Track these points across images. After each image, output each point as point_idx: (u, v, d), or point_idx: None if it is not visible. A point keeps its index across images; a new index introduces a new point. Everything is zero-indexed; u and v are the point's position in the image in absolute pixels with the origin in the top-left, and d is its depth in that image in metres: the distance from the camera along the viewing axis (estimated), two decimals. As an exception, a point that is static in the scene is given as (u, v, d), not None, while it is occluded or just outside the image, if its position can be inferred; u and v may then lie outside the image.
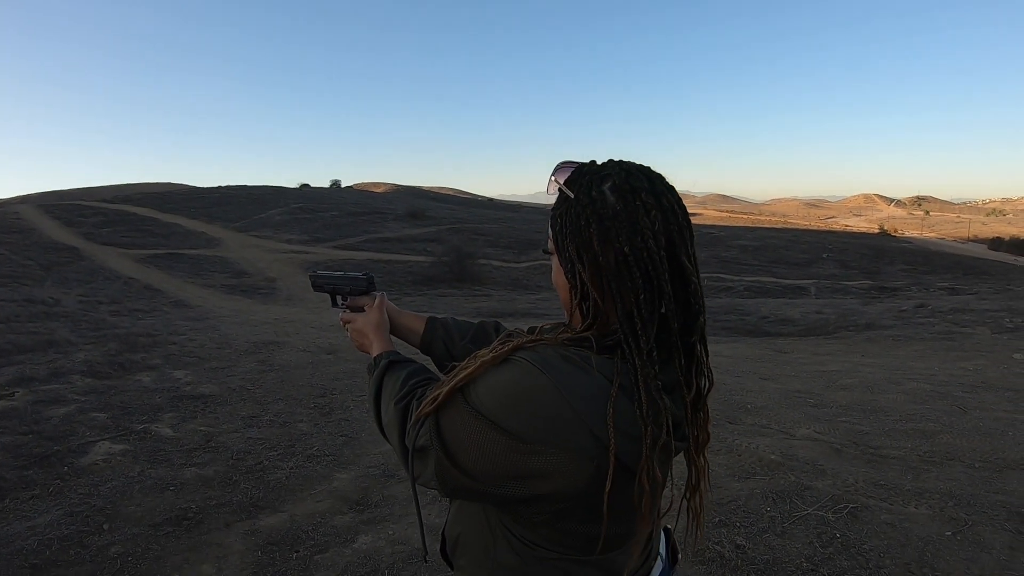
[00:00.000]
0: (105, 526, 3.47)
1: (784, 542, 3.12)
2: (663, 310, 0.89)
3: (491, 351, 0.94)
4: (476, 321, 1.44)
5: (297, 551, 3.21)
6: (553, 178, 0.98)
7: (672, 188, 0.93)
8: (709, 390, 0.99)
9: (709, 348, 0.98)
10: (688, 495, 1.07)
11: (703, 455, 1.04)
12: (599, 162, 0.97)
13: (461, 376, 0.93)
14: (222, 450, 4.68)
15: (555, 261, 1.00)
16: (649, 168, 0.94)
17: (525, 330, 1.09)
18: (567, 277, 0.95)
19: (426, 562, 1.09)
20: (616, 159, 0.96)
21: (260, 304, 20.47)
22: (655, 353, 0.87)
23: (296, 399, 6.25)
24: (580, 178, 0.94)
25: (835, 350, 10.32)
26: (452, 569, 1.13)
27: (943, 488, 3.70)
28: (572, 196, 0.93)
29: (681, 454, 1.01)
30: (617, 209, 0.88)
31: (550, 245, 1.01)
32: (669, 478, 0.97)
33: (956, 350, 9.61)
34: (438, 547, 1.19)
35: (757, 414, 5.51)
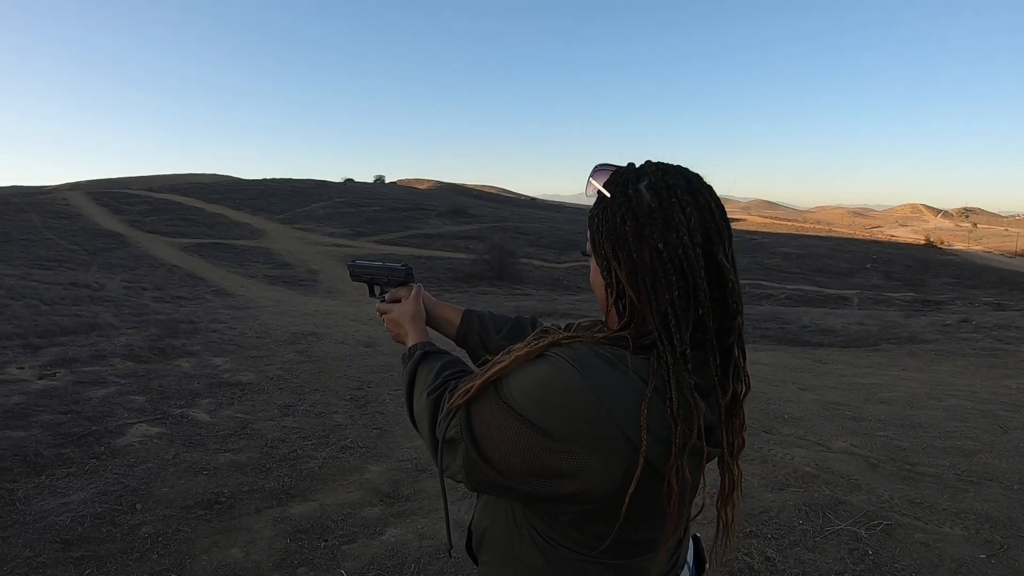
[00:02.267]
0: (138, 506, 3.55)
1: (815, 556, 3.08)
2: (699, 310, 0.88)
3: (526, 346, 0.94)
4: (513, 316, 1.43)
5: (325, 540, 3.25)
6: (591, 179, 0.98)
7: (710, 187, 0.93)
8: (745, 394, 0.97)
9: (748, 355, 0.97)
10: (720, 504, 1.05)
11: (737, 463, 1.01)
12: (637, 164, 0.96)
13: (494, 370, 0.93)
14: (257, 437, 4.75)
15: (593, 261, 0.99)
16: (686, 168, 0.94)
17: (562, 326, 1.08)
18: (603, 275, 0.95)
19: (451, 557, 1.10)
20: (654, 160, 0.95)
21: (301, 295, 20.76)
22: (689, 352, 0.86)
23: (333, 390, 6.33)
24: (617, 178, 0.94)
25: (876, 363, 10.13)
26: (477, 565, 1.13)
27: (980, 509, 3.62)
28: (609, 195, 0.93)
29: (715, 461, 1.00)
30: (652, 206, 0.88)
31: (588, 247, 1.00)
32: (701, 485, 0.95)
33: (999, 367, 9.38)
34: (463, 542, 1.19)
35: (794, 424, 5.44)
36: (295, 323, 11.12)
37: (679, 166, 0.94)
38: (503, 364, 0.93)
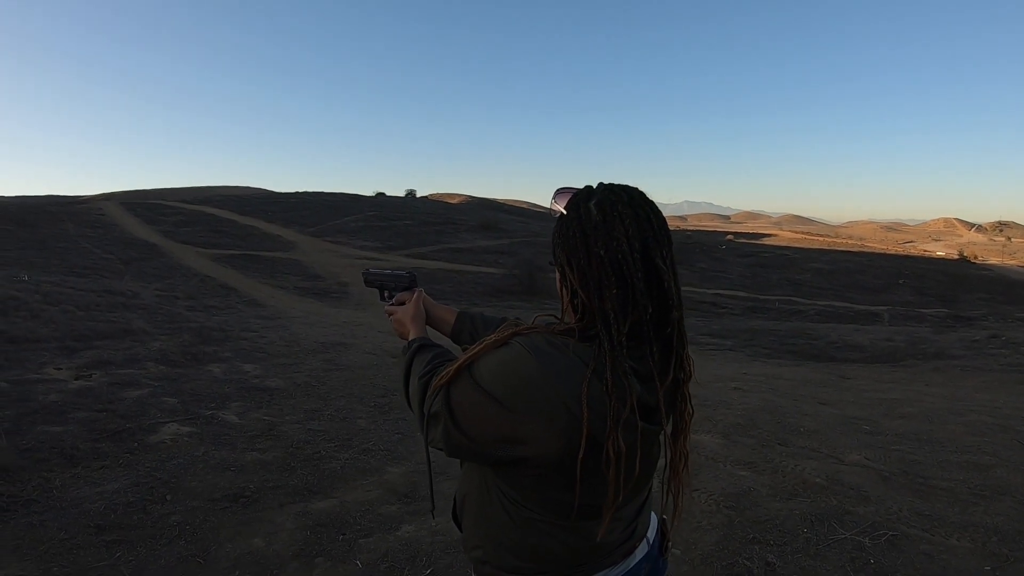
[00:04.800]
0: (168, 497, 3.76)
1: (816, 563, 3.12)
2: (636, 305, 1.03)
3: (494, 336, 1.11)
4: (500, 317, 1.62)
5: (344, 534, 3.40)
6: (553, 201, 1.17)
7: (651, 203, 1.09)
8: (686, 381, 1.14)
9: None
10: (669, 475, 1.22)
11: (681, 443, 1.19)
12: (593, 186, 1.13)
13: (468, 355, 1.11)
14: (283, 439, 4.93)
15: (556, 270, 1.16)
16: (632, 187, 1.11)
17: (533, 319, 1.25)
18: (560, 279, 1.13)
19: (433, 517, 1.32)
20: (606, 182, 1.12)
21: (331, 307, 21.00)
22: (624, 340, 1.02)
23: (357, 397, 6.50)
24: (574, 199, 1.12)
25: (899, 378, 10.07)
26: (461, 531, 1.30)
27: (989, 523, 3.61)
28: (565, 213, 1.11)
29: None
30: (597, 221, 1.05)
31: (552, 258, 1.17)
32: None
33: (1026, 383, 9.28)
34: (451, 511, 1.37)
35: (809, 437, 5.45)
36: (324, 333, 11.31)
37: (625, 185, 1.11)
38: (475, 350, 1.10)
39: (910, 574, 3.03)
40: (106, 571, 2.95)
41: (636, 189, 1.10)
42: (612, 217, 1.04)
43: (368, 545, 3.29)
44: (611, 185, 1.11)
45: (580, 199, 1.10)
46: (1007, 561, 3.17)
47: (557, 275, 1.15)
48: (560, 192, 1.16)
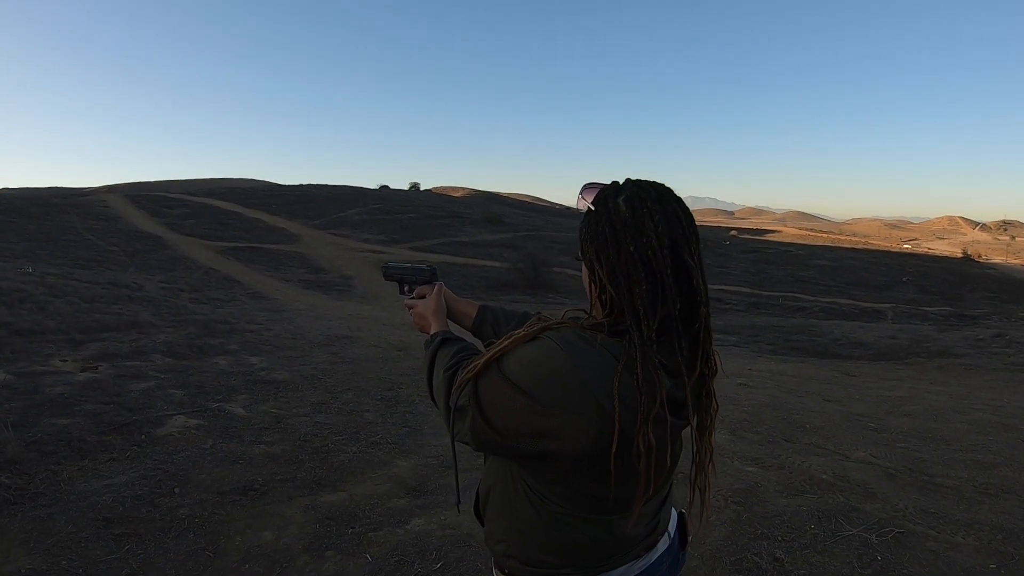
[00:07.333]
0: (176, 490, 3.76)
1: (823, 559, 3.11)
2: (666, 301, 1.03)
3: (523, 330, 1.11)
4: (521, 311, 1.61)
5: (353, 527, 3.40)
6: (581, 196, 1.16)
7: (679, 199, 1.09)
8: (712, 376, 1.13)
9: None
10: (695, 472, 1.21)
11: (707, 438, 1.17)
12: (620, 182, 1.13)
13: (497, 349, 1.10)
14: (290, 431, 4.94)
15: (583, 264, 1.15)
16: (660, 184, 1.10)
17: (561, 314, 1.25)
18: (588, 275, 1.13)
19: (459, 511, 1.30)
20: (633, 178, 1.12)
21: (335, 300, 21.06)
22: (654, 336, 1.02)
23: (364, 390, 6.52)
24: (601, 194, 1.11)
25: (904, 376, 10.07)
26: (483, 525, 1.29)
27: (994, 521, 3.60)
28: (593, 209, 1.10)
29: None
30: (626, 216, 1.04)
31: (579, 252, 1.17)
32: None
33: (1030, 382, 9.28)
34: (472, 505, 1.35)
35: (815, 434, 5.45)
36: (329, 326, 11.34)
37: (652, 181, 1.10)
38: (504, 344, 1.10)
39: (916, 571, 3.02)
40: (115, 564, 2.95)
41: (663, 185, 1.10)
42: (642, 213, 1.04)
43: (378, 538, 3.29)
44: (639, 181, 1.10)
45: (608, 195, 1.09)
46: (1012, 559, 3.16)
47: (584, 270, 1.15)
48: (587, 187, 1.16)
